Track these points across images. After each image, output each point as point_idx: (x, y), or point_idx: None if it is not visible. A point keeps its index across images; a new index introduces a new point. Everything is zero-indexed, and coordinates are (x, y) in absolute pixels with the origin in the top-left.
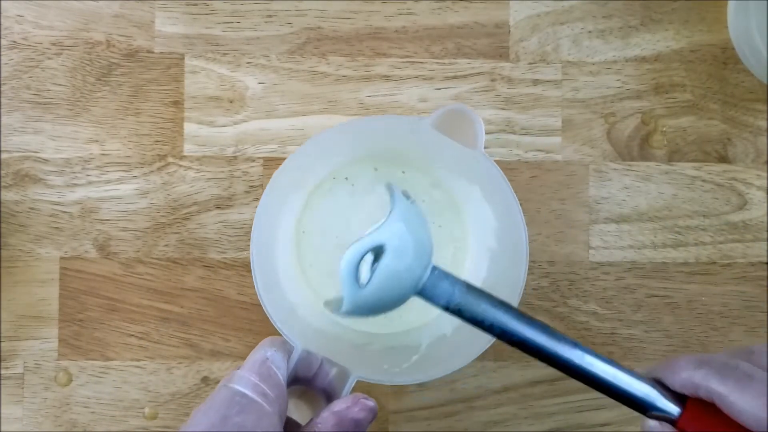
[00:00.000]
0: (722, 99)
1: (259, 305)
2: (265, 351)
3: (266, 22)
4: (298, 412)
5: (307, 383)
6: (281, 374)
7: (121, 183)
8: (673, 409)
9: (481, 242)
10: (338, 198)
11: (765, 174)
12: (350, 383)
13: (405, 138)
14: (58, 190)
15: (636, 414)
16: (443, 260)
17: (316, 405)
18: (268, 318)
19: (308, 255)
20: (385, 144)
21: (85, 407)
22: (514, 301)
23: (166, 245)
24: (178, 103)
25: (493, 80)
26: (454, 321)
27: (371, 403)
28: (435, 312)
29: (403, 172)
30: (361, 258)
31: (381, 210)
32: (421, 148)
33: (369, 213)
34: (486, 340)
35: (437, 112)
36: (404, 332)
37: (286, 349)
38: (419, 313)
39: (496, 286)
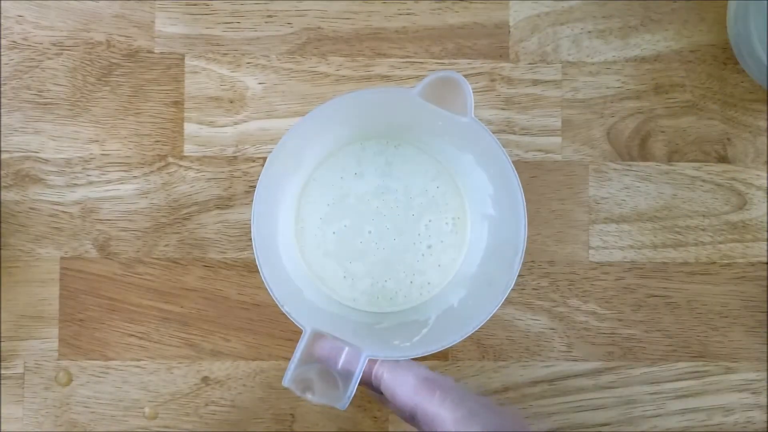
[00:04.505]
0: (722, 99)
1: (259, 305)
2: None
3: (266, 23)
4: (318, 392)
5: (323, 362)
6: None
7: (122, 183)
8: None
9: (478, 210)
10: (331, 181)
11: (764, 174)
12: (363, 360)
13: (395, 110)
14: (59, 190)
15: (637, 414)
16: (444, 231)
17: (333, 384)
18: (267, 318)
19: (308, 239)
20: (375, 119)
21: (86, 407)
22: (516, 266)
23: (166, 245)
24: (178, 104)
25: (493, 80)
26: (460, 292)
27: None
28: (440, 286)
29: (396, 147)
30: None
31: (371, 190)
32: (412, 119)
33: (360, 194)
34: (493, 305)
35: (424, 80)
36: (412, 309)
37: None
38: (423, 290)
39: (497, 251)
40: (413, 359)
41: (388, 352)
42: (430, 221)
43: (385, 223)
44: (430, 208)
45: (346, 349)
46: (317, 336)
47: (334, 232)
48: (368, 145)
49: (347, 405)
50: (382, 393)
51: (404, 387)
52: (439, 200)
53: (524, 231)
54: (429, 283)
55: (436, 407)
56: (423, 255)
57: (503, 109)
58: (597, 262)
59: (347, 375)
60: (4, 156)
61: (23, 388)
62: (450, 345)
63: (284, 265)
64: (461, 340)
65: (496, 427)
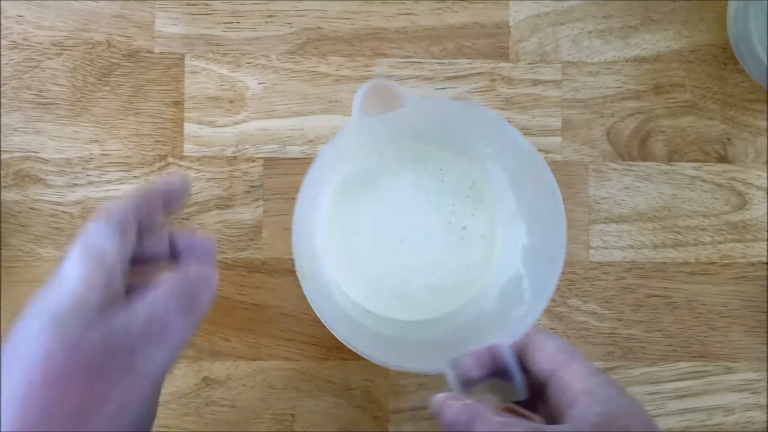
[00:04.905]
0: (722, 99)
1: (259, 305)
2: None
3: (266, 23)
4: (498, 397)
5: (470, 379)
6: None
7: (122, 183)
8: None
9: (513, 211)
10: (359, 196)
11: (765, 174)
12: (508, 349)
13: (438, 121)
14: (59, 190)
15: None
16: (480, 232)
17: (497, 386)
18: (267, 318)
19: (341, 254)
20: (414, 127)
21: None
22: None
23: None
24: (178, 104)
25: (493, 80)
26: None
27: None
28: (481, 280)
29: (431, 150)
30: None
31: (397, 206)
32: (452, 128)
33: (390, 209)
34: (553, 275)
35: (356, 98)
36: (448, 314)
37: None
38: (455, 296)
39: (537, 253)
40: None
41: (503, 336)
42: (464, 228)
43: (422, 230)
44: (467, 211)
45: (477, 353)
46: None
47: (369, 244)
48: (401, 146)
49: (526, 392)
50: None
51: (543, 353)
52: (475, 204)
53: (564, 233)
54: (460, 288)
55: (569, 376)
56: (462, 255)
57: (503, 109)
58: (597, 262)
59: (501, 371)
60: (4, 156)
61: None
62: (549, 298)
63: (317, 268)
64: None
65: (618, 407)
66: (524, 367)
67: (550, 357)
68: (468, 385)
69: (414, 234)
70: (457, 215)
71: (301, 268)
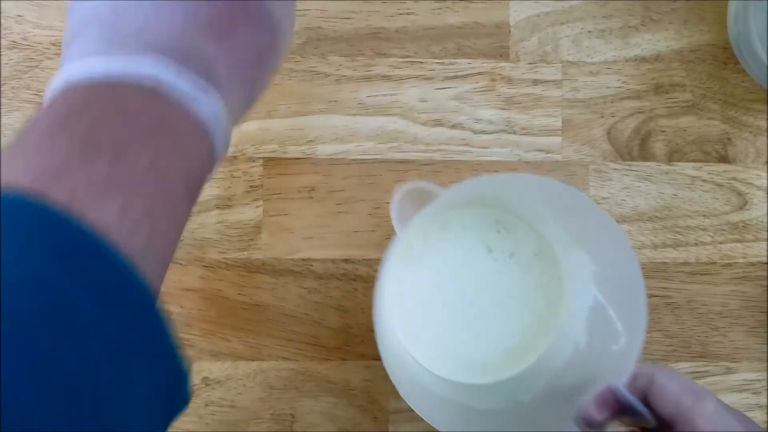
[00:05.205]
0: (722, 99)
1: (259, 305)
2: None
3: None
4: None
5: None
6: None
7: None
8: None
9: (584, 271)
10: (422, 259)
11: (765, 174)
12: (623, 386)
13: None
14: None
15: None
16: (546, 275)
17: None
18: (267, 318)
19: (412, 319)
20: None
21: None
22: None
23: None
24: None
25: (493, 80)
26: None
27: None
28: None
29: (502, 212)
30: None
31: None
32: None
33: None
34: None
35: (392, 207)
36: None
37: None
38: (541, 337)
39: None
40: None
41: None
42: (535, 285)
43: (491, 290)
44: (536, 269)
45: (597, 398)
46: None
47: (443, 307)
48: (475, 210)
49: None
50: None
51: (666, 396)
52: (545, 263)
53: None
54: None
55: (696, 419)
56: (536, 314)
57: (503, 109)
58: None
59: (624, 409)
60: None
61: None
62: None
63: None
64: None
65: None
66: (647, 404)
67: (675, 400)
68: (596, 427)
69: (480, 291)
70: (515, 257)
71: (385, 348)
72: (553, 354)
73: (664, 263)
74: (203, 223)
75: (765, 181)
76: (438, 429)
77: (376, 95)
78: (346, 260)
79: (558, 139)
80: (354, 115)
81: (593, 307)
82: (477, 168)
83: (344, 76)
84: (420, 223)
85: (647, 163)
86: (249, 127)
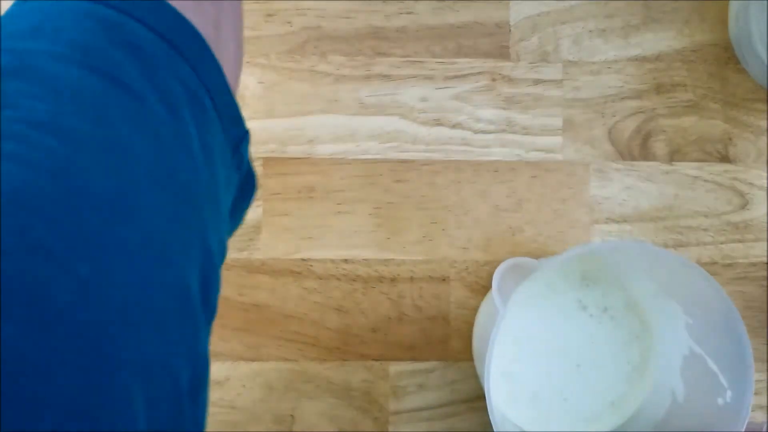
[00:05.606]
0: (723, 99)
1: (259, 306)
2: None
3: (266, 22)
4: None
5: None
6: None
7: None
8: None
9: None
10: (525, 309)
11: (766, 174)
12: None
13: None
14: None
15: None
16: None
17: None
18: (267, 319)
19: (519, 390)
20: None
21: None
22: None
23: None
24: None
25: (493, 80)
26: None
27: None
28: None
29: (591, 272)
30: None
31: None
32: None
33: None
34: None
35: (494, 285)
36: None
37: None
38: (640, 388)
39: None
40: None
41: None
42: (613, 318)
43: (589, 346)
44: (627, 321)
45: None
46: None
47: (537, 369)
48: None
49: None
50: None
51: None
52: (634, 314)
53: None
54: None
55: None
56: (626, 373)
57: (504, 108)
58: None
59: None
60: None
61: None
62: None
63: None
64: None
65: None
66: None
67: None
68: None
69: (580, 348)
70: (609, 312)
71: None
72: (651, 404)
73: None
74: None
75: (766, 181)
76: None
77: (376, 95)
78: (346, 260)
79: (559, 139)
80: (354, 114)
81: (688, 357)
82: (477, 168)
83: (344, 75)
84: (522, 298)
85: (648, 163)
86: (249, 126)
